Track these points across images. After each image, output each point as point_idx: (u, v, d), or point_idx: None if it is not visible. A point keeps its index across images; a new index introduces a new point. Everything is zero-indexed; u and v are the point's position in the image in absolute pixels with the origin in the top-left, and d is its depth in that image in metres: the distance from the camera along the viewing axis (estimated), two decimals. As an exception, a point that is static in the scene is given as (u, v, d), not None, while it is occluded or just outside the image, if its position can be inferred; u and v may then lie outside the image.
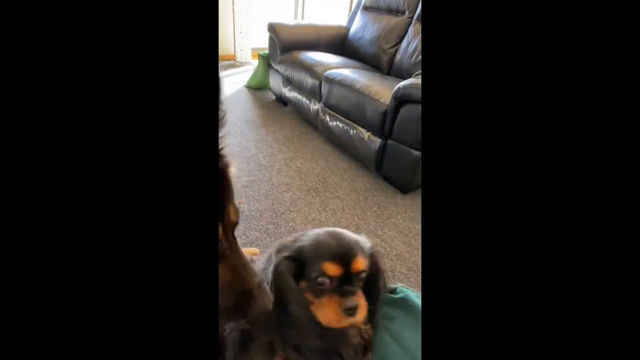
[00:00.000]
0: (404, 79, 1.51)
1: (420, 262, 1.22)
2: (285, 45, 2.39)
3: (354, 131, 1.75)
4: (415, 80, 1.39)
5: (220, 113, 0.36)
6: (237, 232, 1.40)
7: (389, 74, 2.19)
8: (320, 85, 1.96)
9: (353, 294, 0.46)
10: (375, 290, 0.50)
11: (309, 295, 0.48)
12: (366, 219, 1.42)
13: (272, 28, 2.40)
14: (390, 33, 2.21)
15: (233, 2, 3.56)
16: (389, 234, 1.35)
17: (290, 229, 1.32)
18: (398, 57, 2.15)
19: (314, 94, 2.06)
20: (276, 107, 2.60)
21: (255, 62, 2.96)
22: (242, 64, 3.78)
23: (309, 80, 2.06)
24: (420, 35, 2.05)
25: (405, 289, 0.43)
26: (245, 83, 3.04)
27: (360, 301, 0.46)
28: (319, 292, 0.46)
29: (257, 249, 1.18)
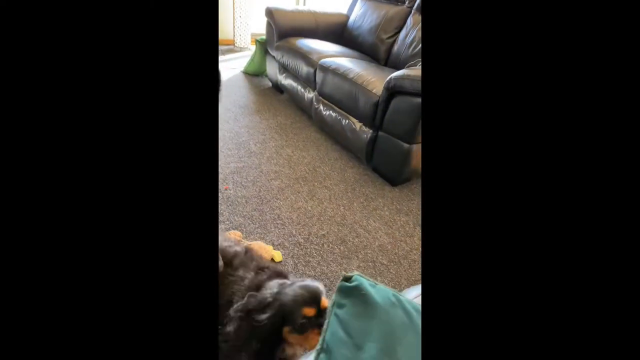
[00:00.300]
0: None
1: (401, 254, 1.22)
2: (283, 31, 2.35)
3: (346, 121, 1.74)
4: (407, 72, 1.37)
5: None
6: (221, 217, 1.39)
7: (386, 64, 2.16)
8: (315, 74, 1.94)
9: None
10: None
11: (292, 336, 0.62)
12: (352, 210, 1.43)
13: (270, 13, 2.36)
14: (389, 23, 2.17)
15: (233, -16, 3.49)
16: (373, 225, 1.35)
17: (275, 217, 1.32)
18: (396, 47, 2.12)
19: (308, 82, 2.03)
20: (272, 94, 2.58)
21: (254, 48, 2.91)
22: (240, 49, 3.73)
23: (304, 68, 2.03)
24: (420, 25, 2.01)
25: (360, 278, 0.44)
26: (242, 69, 3.00)
27: None
28: (303, 330, 0.62)
29: (240, 233, 1.19)
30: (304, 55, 2.05)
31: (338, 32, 2.50)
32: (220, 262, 0.73)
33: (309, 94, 2.07)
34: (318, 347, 0.39)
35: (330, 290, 1.00)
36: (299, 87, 2.17)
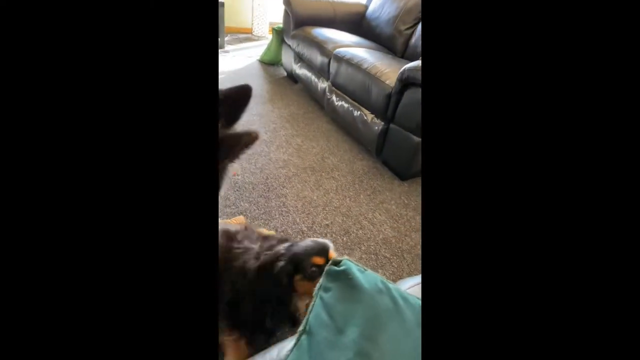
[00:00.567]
0: (413, 61, 1.45)
1: (405, 249, 1.20)
2: (300, 19, 2.32)
3: (358, 112, 1.71)
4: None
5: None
6: (227, 202, 1.41)
7: (403, 56, 2.11)
8: (329, 63, 1.91)
9: None
10: None
11: (303, 283, 0.67)
12: (358, 202, 1.41)
13: (287, 1, 2.34)
14: (408, 14, 2.11)
15: (254, -28, 3.47)
16: (379, 218, 1.33)
17: (280, 204, 1.32)
18: (414, 39, 2.07)
19: (322, 71, 2.01)
20: (286, 83, 2.57)
21: (271, 37, 2.90)
22: (258, 38, 3.73)
23: (318, 57, 2.01)
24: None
25: (349, 262, 0.43)
26: (258, 57, 3.00)
27: None
28: (312, 277, 0.66)
29: (243, 217, 1.20)
30: (319, 45, 2.03)
31: (356, 22, 2.45)
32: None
33: (323, 84, 2.04)
34: (301, 328, 0.39)
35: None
36: (313, 77, 2.15)
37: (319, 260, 0.67)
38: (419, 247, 1.22)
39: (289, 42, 2.41)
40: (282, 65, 2.75)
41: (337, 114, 1.92)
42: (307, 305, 0.64)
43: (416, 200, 1.46)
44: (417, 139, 1.42)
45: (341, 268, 0.42)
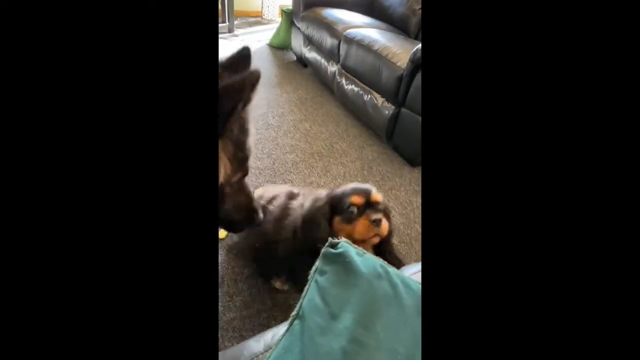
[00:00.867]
0: (426, 41, 1.38)
1: (414, 236, 1.17)
2: (309, 0, 2.25)
3: (369, 96, 1.66)
4: (436, 42, 1.27)
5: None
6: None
7: (416, 38, 2.02)
8: (339, 45, 1.85)
9: (376, 211, 0.66)
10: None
11: (341, 225, 0.66)
12: (367, 188, 1.38)
13: (297, -19, 2.26)
14: (423, -8, 2.01)
15: (264, -47, 3.38)
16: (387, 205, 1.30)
17: (287, 189, 1.30)
18: (428, 19, 1.97)
19: (332, 54, 1.95)
20: (295, 67, 2.51)
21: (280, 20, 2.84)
22: (268, 22, 3.65)
23: (328, 40, 1.95)
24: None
25: (347, 245, 0.40)
26: (267, 41, 2.94)
27: (382, 217, 0.66)
28: (350, 219, 0.65)
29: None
30: (329, 26, 1.96)
31: (368, 2, 2.36)
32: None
33: (332, 67, 1.99)
34: (294, 313, 0.37)
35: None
36: (323, 60, 2.09)
37: (357, 199, 0.65)
38: (428, 234, 1.18)
39: (299, 24, 2.34)
40: (291, 49, 2.68)
41: (346, 98, 1.86)
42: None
43: (427, 187, 1.42)
44: (429, 123, 1.36)
45: (338, 250, 0.39)
